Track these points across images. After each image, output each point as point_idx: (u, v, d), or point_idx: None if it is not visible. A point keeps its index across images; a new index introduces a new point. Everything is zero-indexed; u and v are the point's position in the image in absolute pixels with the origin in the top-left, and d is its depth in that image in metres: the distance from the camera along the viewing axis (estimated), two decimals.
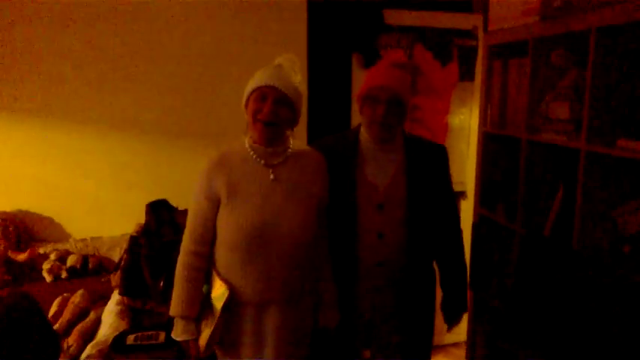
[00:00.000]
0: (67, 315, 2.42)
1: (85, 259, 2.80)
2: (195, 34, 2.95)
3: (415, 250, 1.88)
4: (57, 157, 2.90)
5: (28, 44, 2.77)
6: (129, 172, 2.98)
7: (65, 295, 2.55)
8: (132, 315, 2.44)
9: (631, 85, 1.87)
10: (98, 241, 2.93)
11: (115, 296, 2.50)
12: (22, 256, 2.72)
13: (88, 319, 2.42)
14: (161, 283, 2.42)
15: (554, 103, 2.11)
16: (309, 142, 2.24)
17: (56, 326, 2.37)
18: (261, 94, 1.65)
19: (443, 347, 3.38)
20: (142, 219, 2.78)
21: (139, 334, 2.21)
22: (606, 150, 1.84)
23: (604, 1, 1.83)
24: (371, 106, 1.80)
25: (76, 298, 2.51)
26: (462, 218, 2.09)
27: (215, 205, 1.70)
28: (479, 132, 2.71)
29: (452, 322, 2.06)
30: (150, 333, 2.22)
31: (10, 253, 2.71)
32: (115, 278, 2.58)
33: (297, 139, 1.85)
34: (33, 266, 2.75)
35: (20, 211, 2.89)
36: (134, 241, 2.64)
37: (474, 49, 3.18)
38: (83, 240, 2.92)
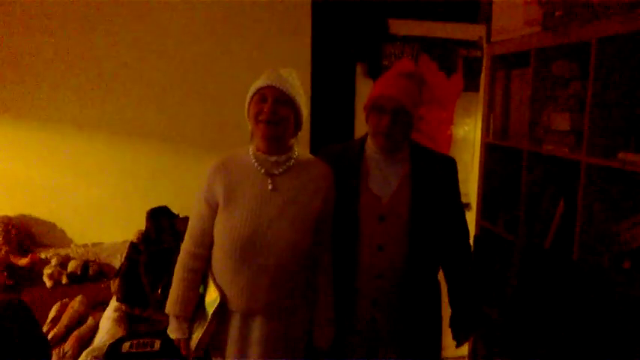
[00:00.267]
0: (65, 320, 2.43)
1: (85, 264, 2.81)
2: (200, 44, 2.97)
3: (416, 263, 1.82)
4: (60, 163, 2.92)
5: (31, 48, 2.80)
6: (131, 179, 2.99)
7: (64, 300, 2.56)
8: (129, 322, 2.44)
9: (633, 97, 1.84)
10: (99, 247, 2.94)
11: (114, 303, 2.51)
12: (23, 261, 2.74)
13: (85, 325, 2.42)
14: (159, 291, 2.42)
15: (555, 114, 2.09)
16: (312, 151, 2.22)
17: (54, 331, 2.38)
18: (261, 96, 1.66)
19: None
20: (143, 225, 2.79)
21: (135, 341, 2.19)
22: (607, 162, 1.81)
23: (606, 11, 1.81)
24: (376, 116, 1.76)
25: (75, 303, 2.52)
26: None
27: (213, 208, 1.70)
28: (481, 143, 2.68)
29: (461, 340, 1.98)
30: (145, 340, 2.20)
31: (11, 258, 2.73)
32: (114, 285, 2.58)
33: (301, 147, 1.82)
34: (34, 271, 2.76)
35: (22, 216, 2.91)
36: (133, 248, 2.64)
37: (479, 60, 3.15)
38: (84, 246, 2.93)
